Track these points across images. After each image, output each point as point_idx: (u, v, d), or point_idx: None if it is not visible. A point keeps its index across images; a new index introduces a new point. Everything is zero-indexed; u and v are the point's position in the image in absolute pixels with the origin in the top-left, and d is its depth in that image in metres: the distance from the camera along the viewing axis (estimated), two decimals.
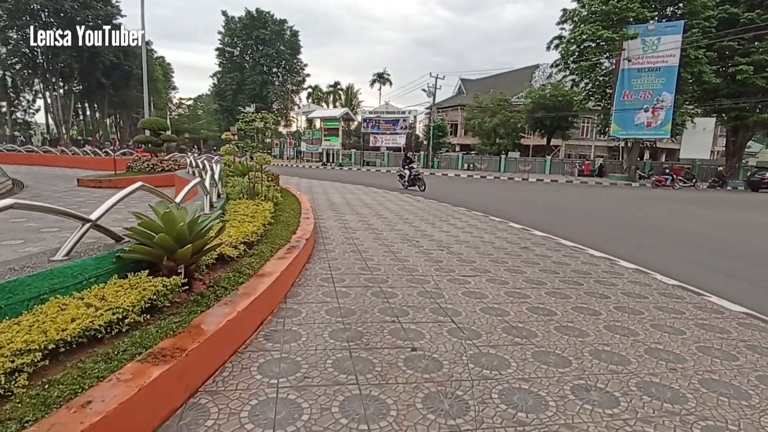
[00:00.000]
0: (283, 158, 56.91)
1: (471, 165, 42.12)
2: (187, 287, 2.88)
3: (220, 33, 68.34)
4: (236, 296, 3.03)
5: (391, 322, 3.41)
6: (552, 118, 40.19)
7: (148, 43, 65.01)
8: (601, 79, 34.40)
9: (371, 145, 46.69)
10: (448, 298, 4.07)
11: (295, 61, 70.79)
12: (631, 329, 3.53)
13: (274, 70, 70.57)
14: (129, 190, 3.04)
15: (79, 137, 63.01)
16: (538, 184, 27.91)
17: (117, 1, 58.78)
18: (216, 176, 6.13)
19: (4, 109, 59.45)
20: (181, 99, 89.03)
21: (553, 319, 3.67)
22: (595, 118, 40.58)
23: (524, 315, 3.73)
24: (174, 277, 2.74)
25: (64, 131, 58.22)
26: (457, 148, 52.35)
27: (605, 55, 33.13)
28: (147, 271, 2.77)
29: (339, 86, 70.25)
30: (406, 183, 17.31)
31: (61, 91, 59.03)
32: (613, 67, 32.83)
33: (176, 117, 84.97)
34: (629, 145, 34.82)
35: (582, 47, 33.60)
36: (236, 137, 11.00)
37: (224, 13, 68.00)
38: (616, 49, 31.08)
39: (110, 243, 3.02)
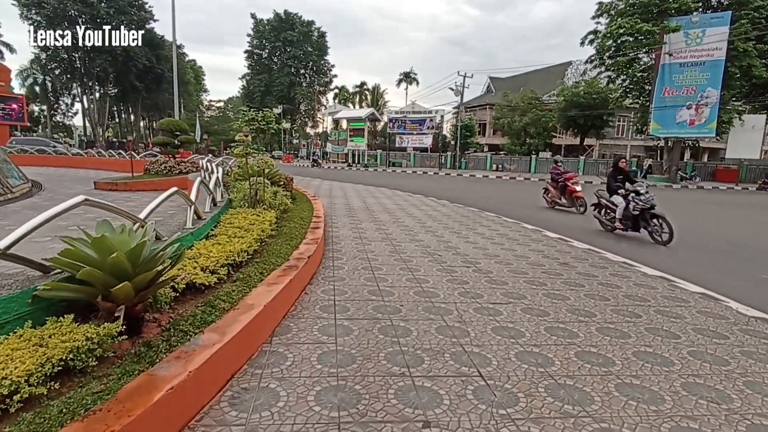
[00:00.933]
0: (309, 159, 56.82)
1: (500, 166, 40.78)
2: (126, 336, 2.20)
3: (249, 36, 69.22)
4: (197, 344, 2.34)
5: (400, 376, 2.64)
6: (586, 116, 38.43)
7: (179, 47, 66.73)
8: (639, 75, 32.50)
9: (397, 145, 45.93)
10: (474, 337, 3.28)
11: (322, 62, 70.88)
12: (718, 390, 2.66)
13: (302, 71, 70.85)
14: (66, 205, 2.40)
15: (114, 139, 64.91)
16: None
17: (150, 7, 60.14)
18: (212, 183, 5.53)
19: (45, 113, 61.83)
20: (211, 101, 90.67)
21: (612, 372, 2.83)
22: (632, 116, 38.61)
23: (573, 365, 2.90)
24: (106, 324, 2.07)
25: (100, 133, 60.07)
26: (486, 149, 50.99)
27: (644, 50, 31.28)
28: (72, 316, 2.11)
29: (365, 86, 69.96)
30: (622, 224, 8.26)
31: (97, 94, 60.97)
32: (653, 62, 30.96)
33: (207, 119, 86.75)
34: (670, 144, 32.78)
35: (619, 42, 31.83)
36: (249, 138, 10.48)
37: (253, 16, 68.96)
38: (656, 43, 29.25)
39: (36, 275, 2.38)
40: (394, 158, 45.05)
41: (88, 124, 62.84)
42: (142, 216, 3.14)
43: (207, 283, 3.17)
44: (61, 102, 63.25)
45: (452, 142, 45.64)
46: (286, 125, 69.01)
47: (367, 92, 69.51)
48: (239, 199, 5.92)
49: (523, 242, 7.21)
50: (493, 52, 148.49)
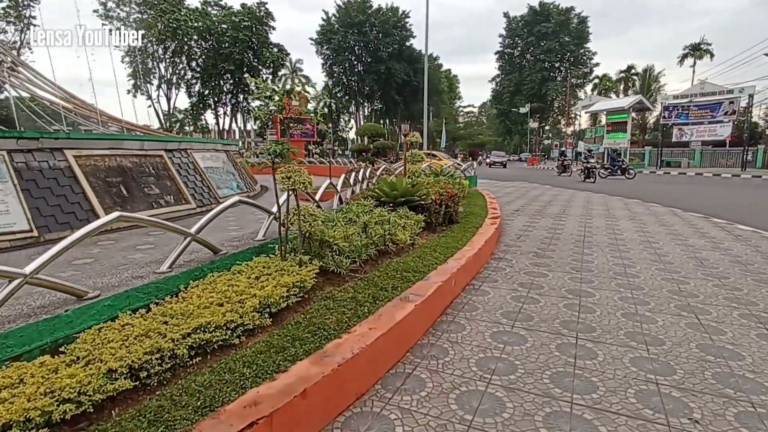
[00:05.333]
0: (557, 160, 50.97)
1: None
2: None
3: (500, 36, 67.61)
4: None
5: None
6: None
7: (435, 59, 70.64)
8: None
9: (675, 140, 35.82)
10: None
11: (581, 51, 62.89)
12: None
13: (556, 64, 64.73)
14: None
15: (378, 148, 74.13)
16: None
17: (410, 25, 65.42)
18: (318, 195, 3.46)
19: (330, 130, 75.72)
20: (460, 107, 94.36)
21: None
22: None
23: None
24: None
25: (365, 143, 69.57)
26: None
27: None
28: None
29: (633, 71, 58.27)
30: None
31: (366, 110, 70.71)
32: None
33: (460, 125, 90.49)
34: None
35: None
36: (414, 136, 8.19)
37: (505, 15, 66.83)
38: None
39: None
40: (669, 156, 35.28)
41: (358, 137, 73.66)
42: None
43: None
44: (341, 119, 76.12)
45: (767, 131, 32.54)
46: (534, 125, 64.13)
47: (635, 78, 57.79)
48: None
49: None
50: None
